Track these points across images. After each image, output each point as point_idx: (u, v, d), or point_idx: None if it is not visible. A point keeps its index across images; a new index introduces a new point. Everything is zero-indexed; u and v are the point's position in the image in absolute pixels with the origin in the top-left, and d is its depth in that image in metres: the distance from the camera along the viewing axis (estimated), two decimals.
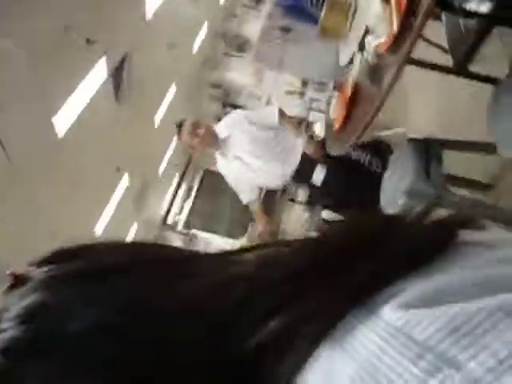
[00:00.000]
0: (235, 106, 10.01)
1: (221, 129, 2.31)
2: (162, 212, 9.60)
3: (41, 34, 3.41)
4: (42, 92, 3.59)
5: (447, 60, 2.08)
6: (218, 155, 2.33)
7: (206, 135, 2.21)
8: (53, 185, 4.01)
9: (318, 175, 2.29)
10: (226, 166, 2.32)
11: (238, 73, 8.92)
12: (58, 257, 0.35)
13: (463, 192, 2.11)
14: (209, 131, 2.25)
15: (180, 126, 2.24)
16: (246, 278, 0.33)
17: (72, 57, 4.04)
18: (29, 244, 3.05)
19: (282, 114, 2.30)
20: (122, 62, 5.34)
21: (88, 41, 4.38)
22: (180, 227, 9.71)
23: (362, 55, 1.49)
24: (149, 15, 5.68)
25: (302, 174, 2.31)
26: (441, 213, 0.40)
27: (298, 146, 2.29)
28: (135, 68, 5.59)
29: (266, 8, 8.70)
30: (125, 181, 6.31)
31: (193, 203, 10.23)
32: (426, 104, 3.00)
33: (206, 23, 8.84)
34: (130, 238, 7.18)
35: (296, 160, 2.27)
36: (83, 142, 4.54)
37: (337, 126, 1.80)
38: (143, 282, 0.34)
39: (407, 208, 1.70)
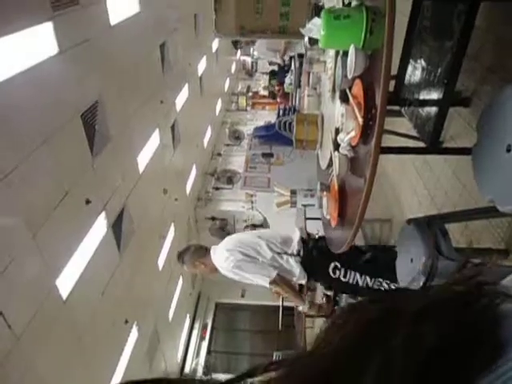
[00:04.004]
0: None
1: (217, 259, 2.54)
2: (179, 360, 8.87)
3: (40, 200, 3.63)
4: (43, 256, 3.65)
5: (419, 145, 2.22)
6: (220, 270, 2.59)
7: (206, 267, 2.58)
8: (57, 350, 3.77)
9: None
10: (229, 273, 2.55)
11: (231, 202, 9.34)
12: None
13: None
14: (208, 265, 2.57)
15: (180, 256, 2.61)
16: None
17: (72, 218, 4.23)
18: None
19: (277, 281, 2.44)
20: (121, 213, 5.60)
21: (87, 201, 4.66)
22: (200, 374, 8.87)
23: (339, 152, 1.58)
24: (141, 170, 6.18)
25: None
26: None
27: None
28: (134, 216, 5.84)
29: (246, 143, 9.60)
30: (134, 334, 5.99)
31: (209, 343, 9.56)
32: (414, 186, 3.09)
33: (194, 166, 9.61)
34: None
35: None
36: (88, 300, 4.44)
37: (333, 223, 1.81)
38: None
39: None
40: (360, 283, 2.37)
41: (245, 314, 10.40)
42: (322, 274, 2.47)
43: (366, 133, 1.32)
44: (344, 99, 1.52)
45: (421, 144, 2.17)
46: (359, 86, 1.39)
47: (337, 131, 1.61)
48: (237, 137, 12.22)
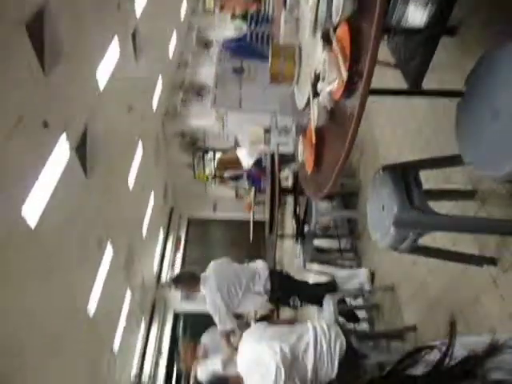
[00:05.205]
0: (205, 150, 10.04)
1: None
2: (155, 272, 9.33)
3: None
4: (3, 185, 3.49)
5: (399, 83, 2.10)
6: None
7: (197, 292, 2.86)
8: (30, 279, 3.82)
9: None
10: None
11: (201, 117, 8.99)
12: None
13: (448, 205, 2.09)
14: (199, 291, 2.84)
15: (173, 283, 2.95)
16: None
17: (30, 143, 3.96)
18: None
19: (226, 337, 2.77)
20: (84, 135, 5.30)
21: (45, 123, 4.32)
22: None
23: (318, 100, 1.46)
24: (101, 86, 5.70)
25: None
26: None
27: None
28: (98, 137, 5.55)
29: (215, 53, 8.93)
30: (109, 252, 6.12)
31: (183, 255, 10.03)
32: (391, 129, 3.03)
33: (160, 78, 8.97)
34: (125, 308, 6.91)
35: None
36: (58, 226, 4.39)
37: (309, 169, 1.76)
38: None
39: (400, 238, 1.66)
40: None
41: (217, 228, 10.79)
42: (283, 302, 3.13)
43: (350, 88, 1.21)
44: (327, 40, 1.36)
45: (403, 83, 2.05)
46: (345, 30, 1.23)
47: (317, 76, 1.47)
48: (205, 44, 11.34)
